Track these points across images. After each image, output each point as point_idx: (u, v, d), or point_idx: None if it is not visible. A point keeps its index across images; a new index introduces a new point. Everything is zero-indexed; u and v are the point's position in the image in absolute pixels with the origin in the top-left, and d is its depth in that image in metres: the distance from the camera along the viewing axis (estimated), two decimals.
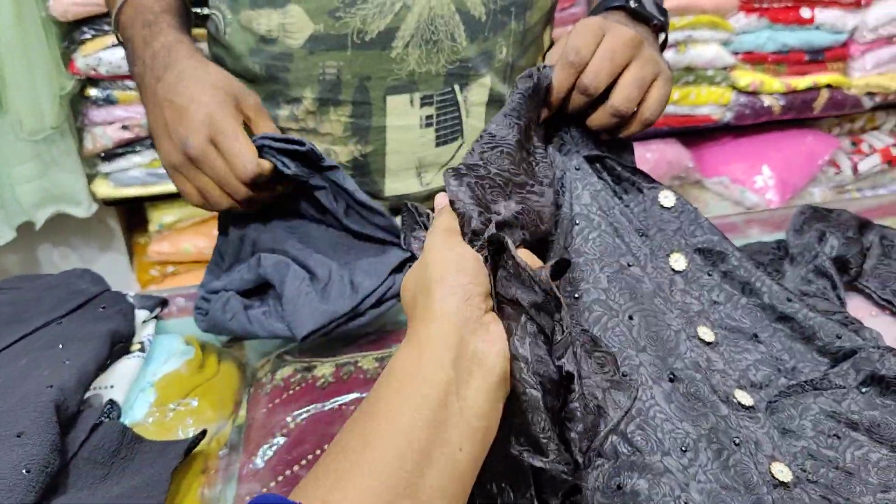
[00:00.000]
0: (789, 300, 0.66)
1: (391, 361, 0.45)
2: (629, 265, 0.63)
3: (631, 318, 0.61)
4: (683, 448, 0.55)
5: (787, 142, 1.77)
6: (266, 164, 0.69)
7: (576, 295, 0.62)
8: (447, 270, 0.46)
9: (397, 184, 0.88)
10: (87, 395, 0.67)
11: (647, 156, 1.67)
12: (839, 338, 0.63)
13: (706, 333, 0.63)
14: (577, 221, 0.65)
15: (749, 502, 0.52)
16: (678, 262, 0.67)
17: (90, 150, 1.71)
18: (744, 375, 0.62)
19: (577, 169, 0.67)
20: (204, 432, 0.63)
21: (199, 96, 0.69)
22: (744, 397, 0.59)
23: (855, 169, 1.78)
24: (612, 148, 0.70)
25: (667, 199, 0.68)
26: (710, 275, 0.67)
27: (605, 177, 0.68)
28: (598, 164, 0.68)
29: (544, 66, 0.66)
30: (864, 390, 0.60)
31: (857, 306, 0.79)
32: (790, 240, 0.84)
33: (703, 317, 0.64)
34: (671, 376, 0.59)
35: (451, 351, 0.43)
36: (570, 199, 0.65)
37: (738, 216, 0.97)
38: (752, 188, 1.69)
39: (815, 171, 1.74)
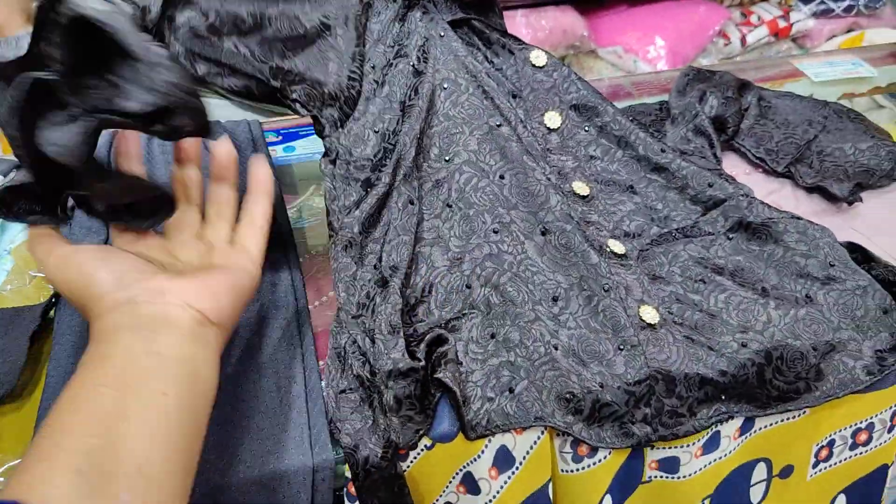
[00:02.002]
0: (663, 151, 0.67)
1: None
2: (498, 125, 0.63)
3: (502, 177, 0.62)
4: (555, 297, 0.56)
5: (680, 11, 1.76)
6: None
7: (446, 157, 0.62)
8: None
9: None
10: None
11: (543, 23, 1.63)
12: (710, 186, 0.65)
13: (581, 188, 0.64)
14: (445, 86, 0.64)
15: (616, 343, 0.54)
16: (552, 120, 0.67)
17: None
18: (618, 226, 0.63)
19: (441, 36, 0.65)
20: (58, 295, 0.59)
21: None
22: (616, 246, 0.60)
23: (743, 40, 1.80)
24: (479, 10, 0.68)
25: (538, 58, 0.68)
26: (586, 130, 0.67)
27: (474, 41, 0.67)
28: (466, 28, 0.67)
29: None
30: (731, 236, 0.62)
31: (733, 164, 0.81)
32: (672, 101, 0.85)
33: (578, 172, 0.65)
34: (543, 229, 0.59)
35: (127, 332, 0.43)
36: (434, 65, 0.64)
37: (625, 78, 0.97)
38: (645, 58, 1.69)
39: (706, 41, 1.76)
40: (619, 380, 0.52)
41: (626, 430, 0.52)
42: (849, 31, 1.95)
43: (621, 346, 0.54)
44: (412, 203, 0.59)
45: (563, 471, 0.52)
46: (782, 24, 1.87)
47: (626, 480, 0.54)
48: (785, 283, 0.59)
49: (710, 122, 0.78)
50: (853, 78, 0.97)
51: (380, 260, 0.57)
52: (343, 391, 0.52)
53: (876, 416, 0.58)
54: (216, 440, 0.50)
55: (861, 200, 0.74)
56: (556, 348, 0.53)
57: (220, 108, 0.90)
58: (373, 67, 0.63)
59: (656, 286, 0.59)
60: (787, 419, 0.56)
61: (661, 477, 0.55)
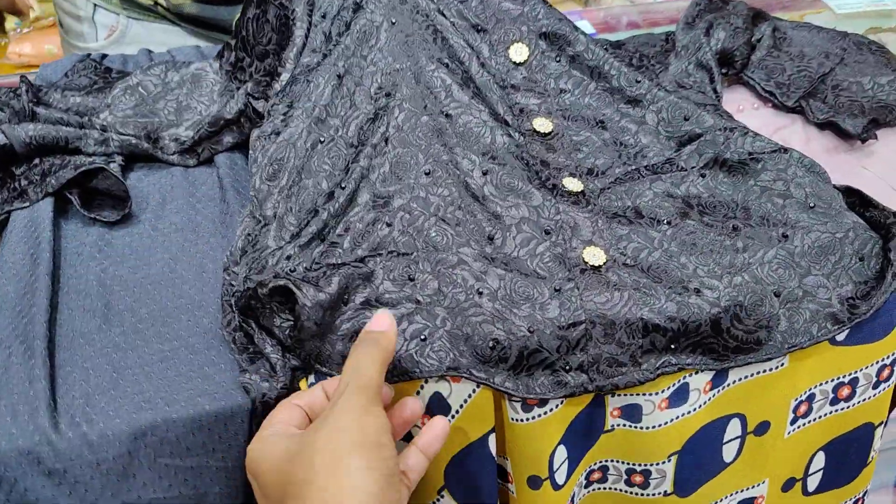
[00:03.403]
0: (638, 81, 0.62)
1: None
2: (447, 65, 0.60)
3: (448, 115, 0.58)
4: (490, 237, 0.53)
5: None
6: None
7: (386, 92, 0.59)
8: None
9: None
10: None
11: None
12: (686, 119, 0.60)
13: (543, 125, 0.60)
14: (393, 21, 0.61)
15: (551, 286, 0.50)
16: (519, 53, 0.63)
17: None
18: (581, 164, 0.59)
19: None
20: (2, 227, 0.58)
21: None
22: (573, 184, 0.57)
23: None
24: None
25: None
26: (557, 61, 0.63)
27: None
28: None
29: None
30: (704, 174, 0.57)
31: (741, 98, 0.75)
32: (679, 32, 0.79)
33: (543, 108, 0.61)
34: (484, 169, 0.56)
35: None
36: (373, 6, 0.62)
37: (634, 7, 0.91)
38: None
39: None
40: (550, 324, 0.48)
41: (558, 378, 0.48)
42: None
43: (557, 288, 0.50)
44: (322, 142, 0.58)
45: (513, 419, 0.49)
46: None
47: (587, 430, 0.51)
48: (758, 223, 0.54)
49: (713, 55, 0.73)
50: (880, 10, 0.90)
51: (271, 204, 0.56)
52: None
53: (861, 370, 0.53)
54: (155, 376, 0.49)
55: (876, 138, 0.69)
56: (481, 293, 0.50)
57: (167, 34, 0.87)
58: (323, 17, 0.61)
59: (612, 225, 0.54)
60: (763, 371, 0.52)
61: (625, 426, 0.51)
